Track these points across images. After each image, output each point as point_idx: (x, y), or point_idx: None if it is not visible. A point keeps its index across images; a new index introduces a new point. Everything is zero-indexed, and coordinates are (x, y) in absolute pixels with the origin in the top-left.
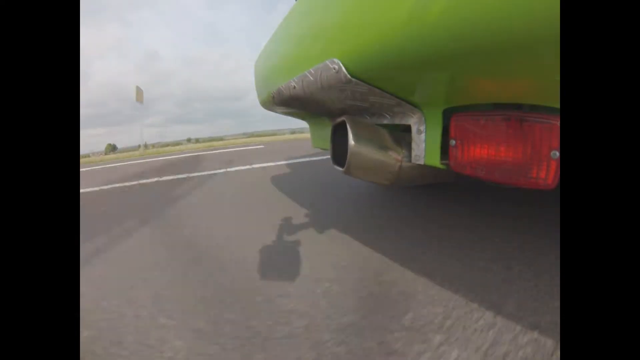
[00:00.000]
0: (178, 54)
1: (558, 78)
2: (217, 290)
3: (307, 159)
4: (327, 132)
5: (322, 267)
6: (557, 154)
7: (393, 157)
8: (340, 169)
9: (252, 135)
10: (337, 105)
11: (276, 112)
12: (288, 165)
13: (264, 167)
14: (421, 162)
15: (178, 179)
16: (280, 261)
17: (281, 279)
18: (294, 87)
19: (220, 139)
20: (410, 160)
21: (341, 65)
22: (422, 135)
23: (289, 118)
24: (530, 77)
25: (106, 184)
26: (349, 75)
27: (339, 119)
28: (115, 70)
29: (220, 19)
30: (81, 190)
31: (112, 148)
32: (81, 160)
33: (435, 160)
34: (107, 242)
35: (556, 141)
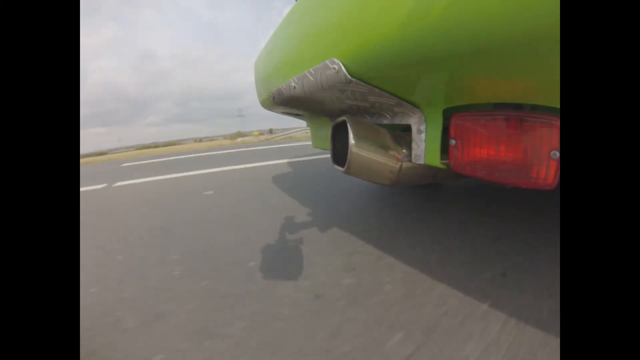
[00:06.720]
0: (177, 53)
1: (558, 78)
2: None
3: None
4: (327, 132)
5: None
6: (557, 154)
7: (393, 157)
8: (341, 169)
9: (170, 144)
10: (337, 105)
11: (276, 112)
12: None
13: None
14: (421, 161)
15: None
16: None
17: None
18: (294, 87)
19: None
20: (410, 160)
21: (341, 65)
22: (422, 135)
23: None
24: (530, 77)
25: None
26: (349, 76)
27: (339, 119)
28: (113, 69)
29: (220, 18)
30: None
31: None
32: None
33: (436, 160)
34: None
35: (556, 141)
